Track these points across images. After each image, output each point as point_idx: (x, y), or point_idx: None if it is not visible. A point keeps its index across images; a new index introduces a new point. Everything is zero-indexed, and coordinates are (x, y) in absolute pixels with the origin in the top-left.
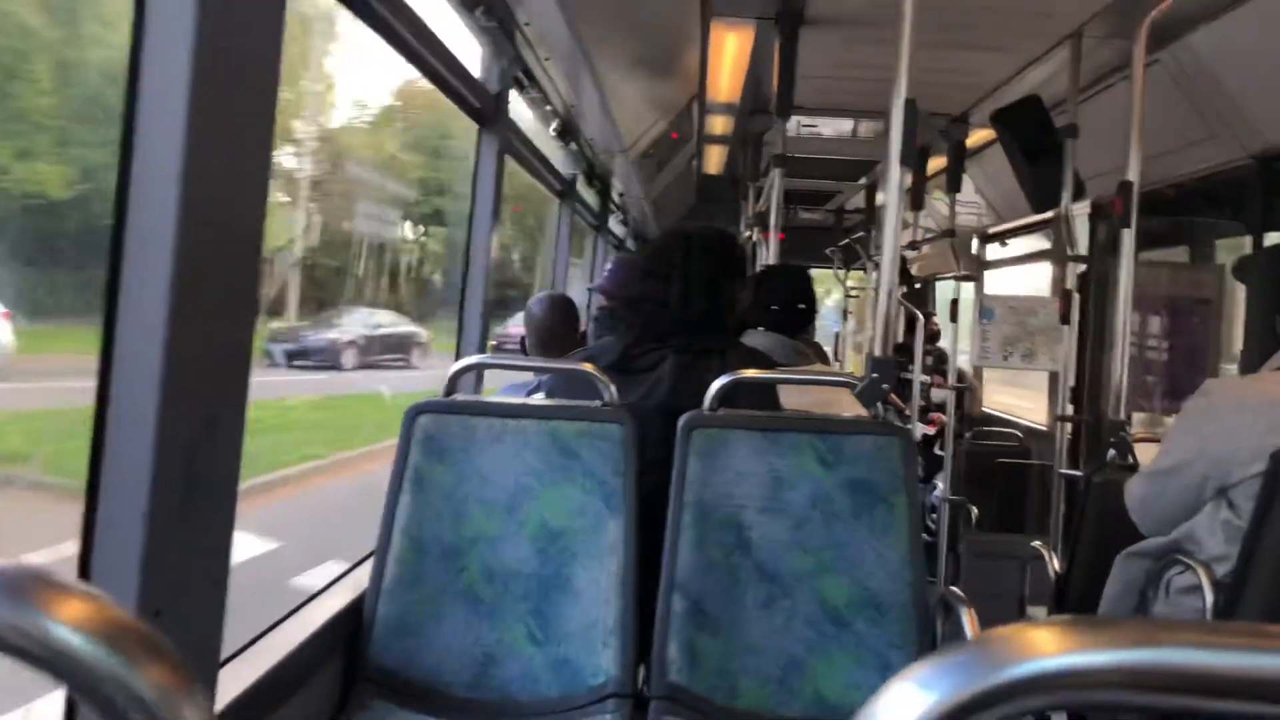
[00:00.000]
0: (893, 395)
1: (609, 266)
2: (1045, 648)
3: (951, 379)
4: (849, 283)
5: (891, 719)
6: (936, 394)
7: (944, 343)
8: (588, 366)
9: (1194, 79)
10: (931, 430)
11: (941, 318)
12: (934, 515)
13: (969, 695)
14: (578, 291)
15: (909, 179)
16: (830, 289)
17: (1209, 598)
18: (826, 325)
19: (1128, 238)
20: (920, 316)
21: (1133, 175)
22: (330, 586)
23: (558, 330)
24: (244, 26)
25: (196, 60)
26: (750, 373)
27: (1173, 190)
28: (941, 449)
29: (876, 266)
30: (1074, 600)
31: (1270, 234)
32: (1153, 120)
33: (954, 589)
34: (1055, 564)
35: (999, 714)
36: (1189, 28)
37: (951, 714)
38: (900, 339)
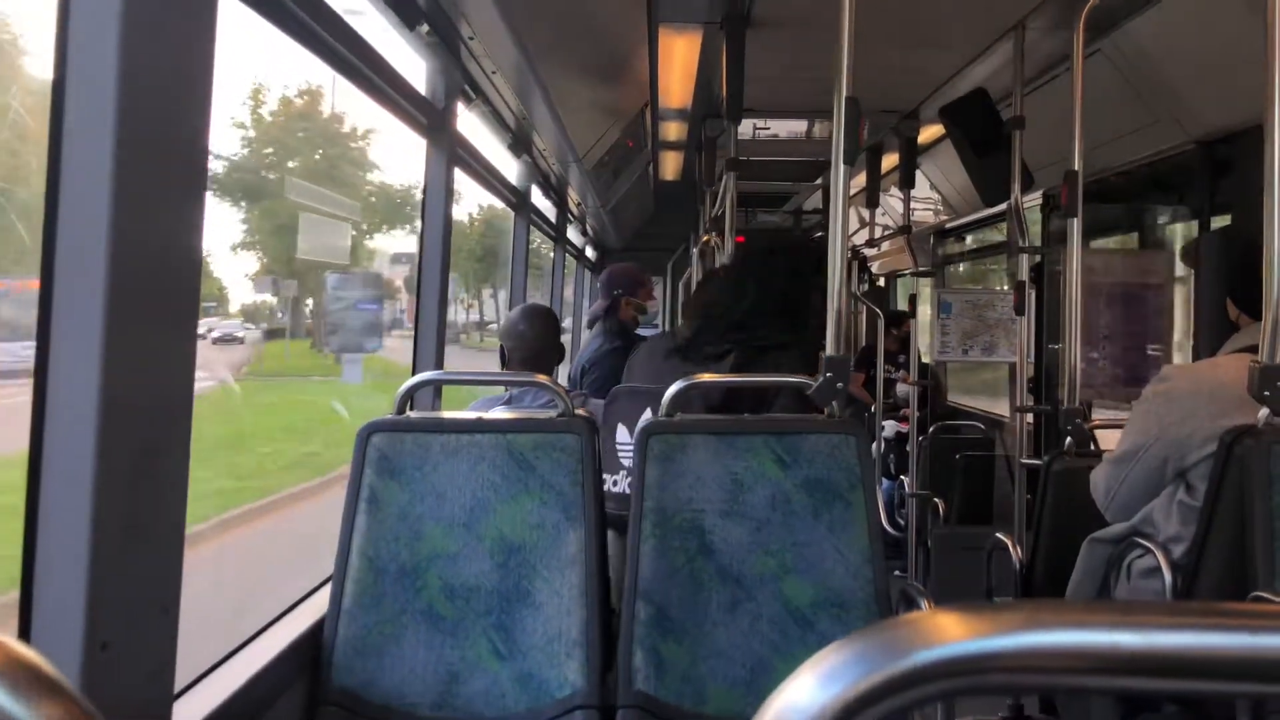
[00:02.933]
0: (863, 393)
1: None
2: (941, 635)
3: (913, 375)
4: None
5: (794, 711)
6: (903, 390)
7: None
8: (542, 378)
9: (1135, 66)
10: (904, 427)
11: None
12: (903, 510)
13: (868, 685)
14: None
15: (863, 177)
16: None
17: (1167, 579)
18: None
19: (1075, 227)
20: (881, 314)
21: (1077, 164)
22: (290, 611)
23: (547, 344)
24: (173, 35)
25: (123, 75)
26: (706, 377)
27: (1121, 178)
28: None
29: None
30: (1038, 588)
31: (1216, 217)
32: (1098, 109)
33: (914, 583)
34: (1018, 553)
35: (900, 702)
36: (1128, 16)
37: (851, 705)
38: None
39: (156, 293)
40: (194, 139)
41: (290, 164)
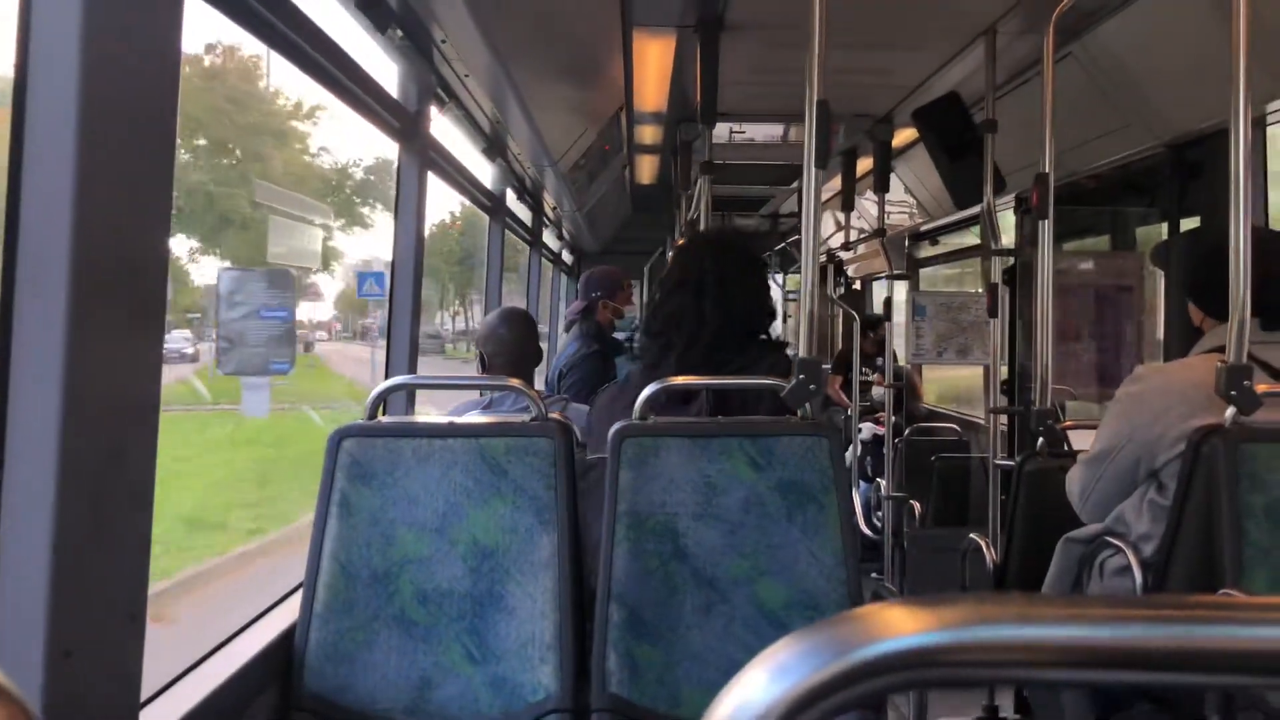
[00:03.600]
0: (840, 395)
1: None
2: (889, 629)
3: (888, 377)
4: (787, 287)
5: (745, 706)
6: (879, 392)
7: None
8: (515, 382)
9: (1105, 70)
10: (881, 429)
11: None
12: (880, 513)
13: (817, 680)
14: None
15: (838, 180)
16: None
17: (1138, 577)
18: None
19: (1046, 229)
20: (857, 317)
21: (1048, 167)
22: (261, 617)
23: (529, 347)
24: (138, 30)
25: (87, 71)
26: (680, 379)
27: (1093, 181)
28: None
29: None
30: (1012, 588)
31: (1185, 219)
32: (1070, 112)
33: (886, 584)
34: (991, 553)
35: (848, 697)
36: (1098, 20)
37: (801, 700)
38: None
39: (121, 291)
40: (159, 135)
41: (198, 140)
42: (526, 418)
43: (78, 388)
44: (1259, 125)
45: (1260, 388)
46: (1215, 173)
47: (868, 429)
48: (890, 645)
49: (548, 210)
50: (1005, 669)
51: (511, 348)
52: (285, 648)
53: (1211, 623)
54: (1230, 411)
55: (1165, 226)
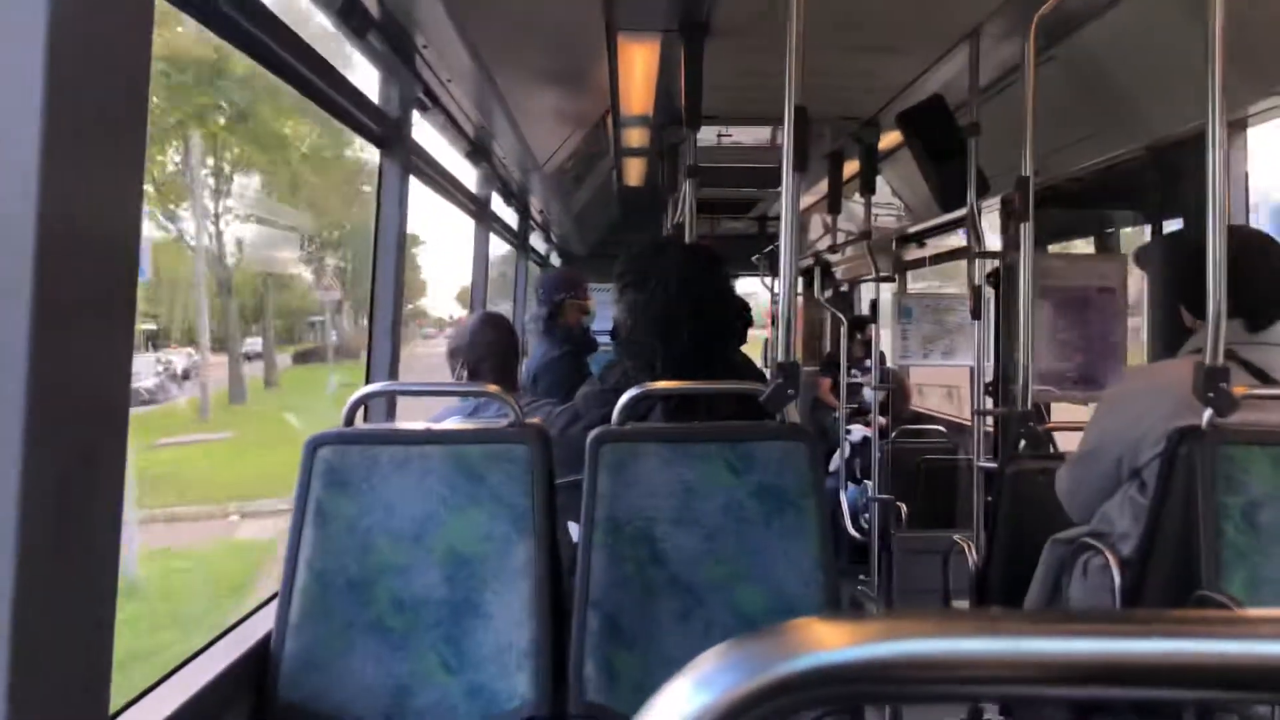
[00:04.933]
0: (830, 397)
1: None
2: (814, 644)
3: (875, 379)
4: (775, 289)
5: (670, 715)
6: (869, 394)
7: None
8: (492, 388)
9: (1087, 73)
10: (871, 431)
11: None
12: (868, 515)
13: (742, 692)
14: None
15: (824, 183)
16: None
17: (1116, 577)
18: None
19: (1027, 231)
20: (845, 320)
21: (1028, 170)
22: (235, 627)
23: (512, 350)
24: (106, 26)
25: (52, 53)
26: (660, 384)
27: (1076, 183)
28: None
29: (800, 272)
30: (994, 590)
31: (1167, 221)
32: (1053, 115)
33: (863, 589)
34: (974, 555)
35: (771, 709)
36: (1080, 24)
37: (724, 711)
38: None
39: (89, 285)
40: (130, 129)
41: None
42: (505, 423)
43: (43, 390)
44: (1239, 127)
45: (1238, 390)
46: (1196, 175)
47: (857, 431)
48: (810, 660)
49: (535, 214)
50: (925, 686)
51: (497, 351)
52: (260, 657)
53: (1128, 636)
54: (1208, 413)
55: (1148, 229)
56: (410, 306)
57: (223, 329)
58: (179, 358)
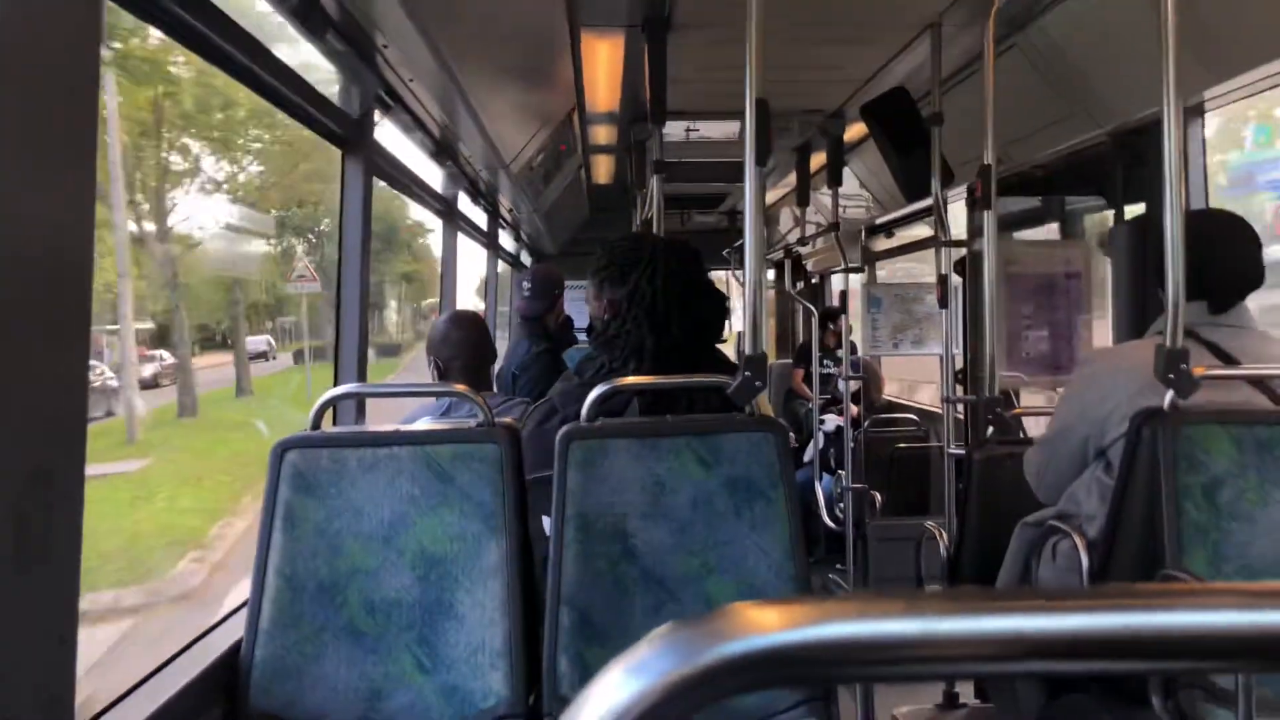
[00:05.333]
0: (804, 388)
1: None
2: (745, 629)
3: (846, 369)
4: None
5: (603, 704)
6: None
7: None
8: (460, 388)
9: (1049, 60)
10: (844, 421)
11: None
12: (842, 505)
13: (675, 679)
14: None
15: (792, 176)
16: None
17: (1084, 559)
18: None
19: (989, 220)
20: (815, 311)
21: (990, 159)
22: (205, 636)
23: (486, 349)
24: (54, 28)
25: None
26: (631, 379)
27: (1041, 170)
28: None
29: (771, 265)
30: (966, 574)
31: (1130, 206)
32: (1016, 103)
33: (833, 577)
34: (945, 542)
35: (701, 697)
36: (1038, 12)
37: (658, 698)
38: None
39: (40, 296)
40: (79, 134)
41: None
42: (472, 422)
43: None
44: (1196, 112)
45: (1198, 370)
46: (1157, 160)
47: (831, 421)
48: (740, 645)
49: (504, 212)
50: (852, 667)
51: (470, 350)
52: (230, 665)
53: (1038, 612)
54: (1170, 394)
55: (1111, 214)
56: (430, 300)
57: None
58: (137, 362)
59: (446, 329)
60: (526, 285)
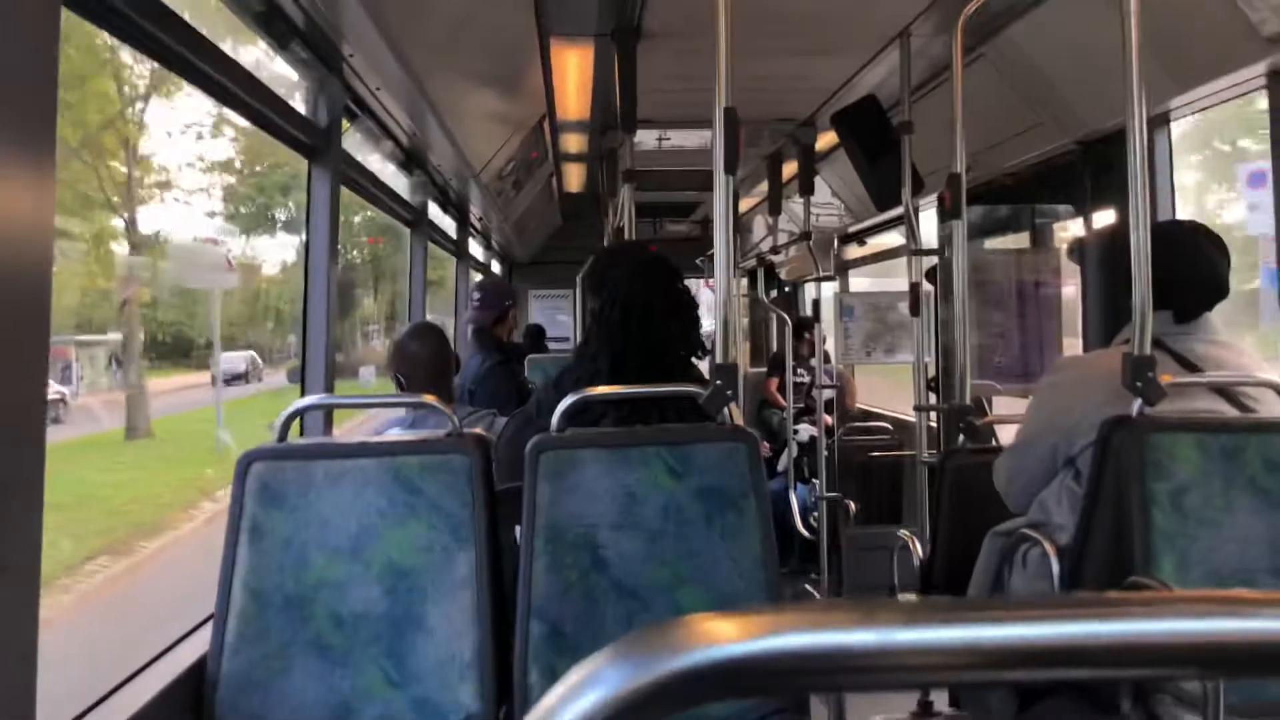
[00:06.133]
0: (777, 397)
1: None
2: (702, 640)
3: (819, 378)
4: None
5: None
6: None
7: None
8: (429, 398)
9: (1017, 70)
10: (818, 430)
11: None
12: (816, 514)
13: (627, 691)
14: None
15: (764, 185)
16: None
17: (1054, 567)
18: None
19: (959, 228)
20: (789, 320)
21: (959, 168)
22: (169, 650)
23: (444, 362)
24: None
25: None
26: (600, 389)
27: (1010, 179)
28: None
29: (745, 273)
30: (939, 583)
31: (1098, 214)
32: (985, 112)
33: (808, 586)
34: (919, 550)
35: (656, 710)
36: (1008, 21)
37: (619, 708)
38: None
39: None
40: (38, 121)
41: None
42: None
43: None
44: (1161, 121)
45: (1164, 378)
46: (1125, 168)
47: (805, 430)
48: (695, 656)
49: (474, 221)
50: (808, 678)
51: (428, 364)
52: (195, 681)
53: (994, 622)
54: (1138, 403)
55: (1080, 222)
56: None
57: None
58: None
59: (406, 341)
60: (476, 295)
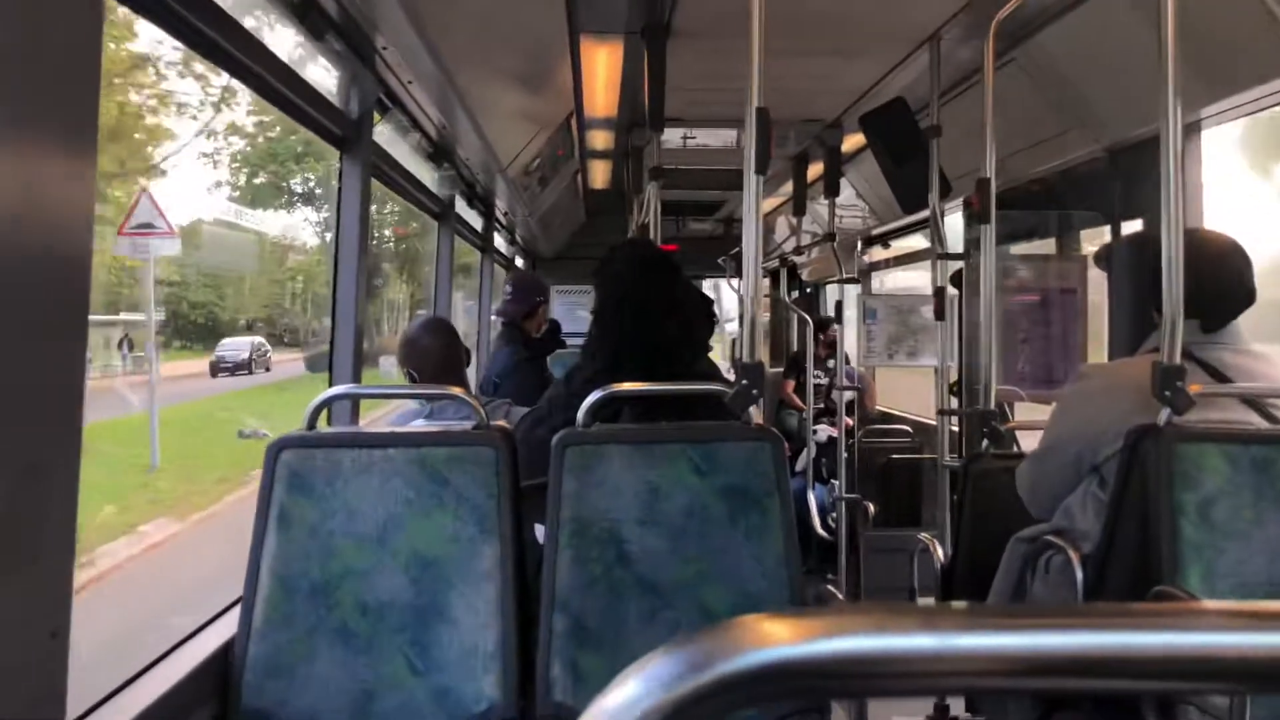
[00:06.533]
0: (794, 398)
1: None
2: (763, 640)
3: (840, 379)
4: (740, 291)
5: (614, 713)
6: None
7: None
8: (456, 390)
9: (1047, 76)
10: (837, 431)
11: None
12: (834, 515)
13: (689, 689)
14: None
15: (789, 185)
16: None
17: (1078, 574)
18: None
19: (988, 233)
20: (810, 321)
21: (988, 172)
22: (197, 633)
23: (455, 355)
24: (54, 20)
25: None
26: (626, 386)
27: (1038, 185)
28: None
29: (766, 274)
30: (960, 587)
31: (1127, 223)
32: (1014, 117)
33: (828, 586)
34: (940, 554)
35: (717, 706)
36: (1039, 27)
37: (668, 708)
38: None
39: (37, 284)
40: (81, 114)
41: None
42: (468, 426)
43: None
44: (1193, 130)
45: (1193, 388)
46: (1155, 177)
47: (823, 431)
48: (756, 657)
49: (499, 216)
50: (866, 681)
51: (438, 358)
52: (222, 662)
53: (1050, 630)
54: (1165, 412)
55: (1108, 230)
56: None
57: None
58: None
59: (415, 337)
60: (509, 288)
